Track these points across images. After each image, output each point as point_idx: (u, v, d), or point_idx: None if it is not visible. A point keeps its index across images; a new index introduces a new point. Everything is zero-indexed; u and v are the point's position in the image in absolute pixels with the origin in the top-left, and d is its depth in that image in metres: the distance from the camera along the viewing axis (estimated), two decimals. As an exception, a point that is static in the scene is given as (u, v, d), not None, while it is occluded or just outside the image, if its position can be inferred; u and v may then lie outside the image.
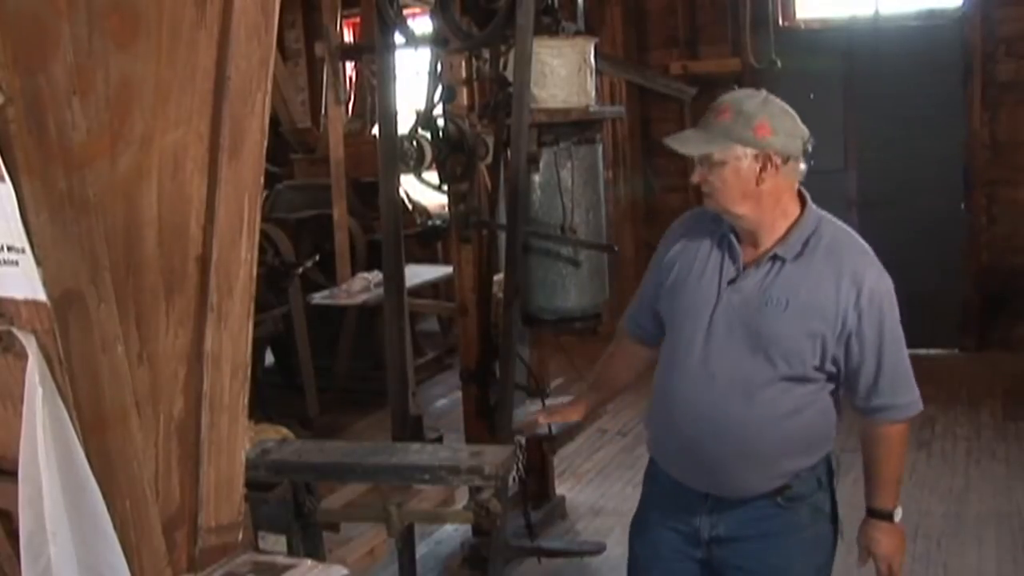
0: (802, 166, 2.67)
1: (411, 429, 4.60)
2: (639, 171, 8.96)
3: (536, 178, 4.34)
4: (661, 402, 2.81)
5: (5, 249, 1.73)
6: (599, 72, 4.91)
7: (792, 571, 2.79)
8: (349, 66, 9.45)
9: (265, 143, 2.17)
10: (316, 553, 2.58)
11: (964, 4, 7.84)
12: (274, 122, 8.78)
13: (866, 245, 2.70)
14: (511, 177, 4.19)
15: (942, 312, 8.09)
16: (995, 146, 7.93)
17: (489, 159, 4.50)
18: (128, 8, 1.83)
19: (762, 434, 2.63)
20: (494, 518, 2.50)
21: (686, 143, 2.63)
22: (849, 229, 2.74)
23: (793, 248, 2.62)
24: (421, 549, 4.87)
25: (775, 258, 2.63)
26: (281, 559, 2.39)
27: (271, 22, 2.11)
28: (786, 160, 2.60)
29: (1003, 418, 6.65)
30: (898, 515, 2.79)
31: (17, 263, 1.73)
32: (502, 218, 4.48)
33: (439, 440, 5.20)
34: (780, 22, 8.39)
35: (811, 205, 2.71)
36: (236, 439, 2.26)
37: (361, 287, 7.04)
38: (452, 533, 5.19)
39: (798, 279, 2.60)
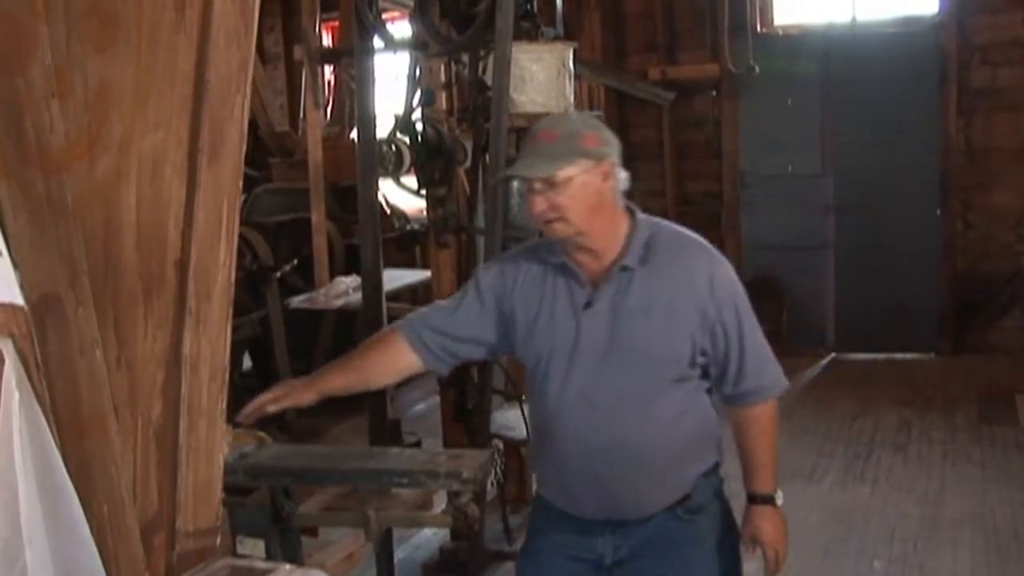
0: (622, 174, 2.66)
1: (389, 433, 4.60)
2: (617, 176, 8.97)
3: (514, 183, 4.33)
4: (546, 446, 2.74)
5: (-18, 252, 1.72)
6: (578, 77, 4.92)
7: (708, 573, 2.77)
8: (328, 70, 9.43)
9: (244, 147, 2.17)
10: (294, 557, 2.57)
11: (940, 11, 7.90)
12: (252, 126, 8.74)
13: (703, 240, 2.72)
14: (489, 181, 4.19)
15: (918, 317, 8.15)
16: (970, 152, 7.99)
17: (468, 163, 4.50)
18: (107, 11, 1.82)
19: (657, 445, 2.62)
20: (472, 522, 2.50)
21: (532, 168, 2.56)
22: (682, 228, 2.75)
23: (636, 254, 2.61)
24: (399, 553, 4.86)
25: (623, 269, 2.61)
26: (259, 563, 2.38)
27: (250, 26, 2.10)
28: (615, 167, 2.62)
29: (978, 421, 6.69)
30: (779, 498, 2.77)
31: (-6, 266, 1.72)
32: (480, 222, 4.48)
33: (417, 444, 5.18)
34: (758, 28, 8.43)
35: (638, 211, 2.71)
36: (214, 443, 2.26)
37: (339, 291, 7.01)
38: (430, 537, 5.17)
39: (650, 283, 2.59)
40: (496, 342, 2.82)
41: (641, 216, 2.69)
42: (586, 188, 2.54)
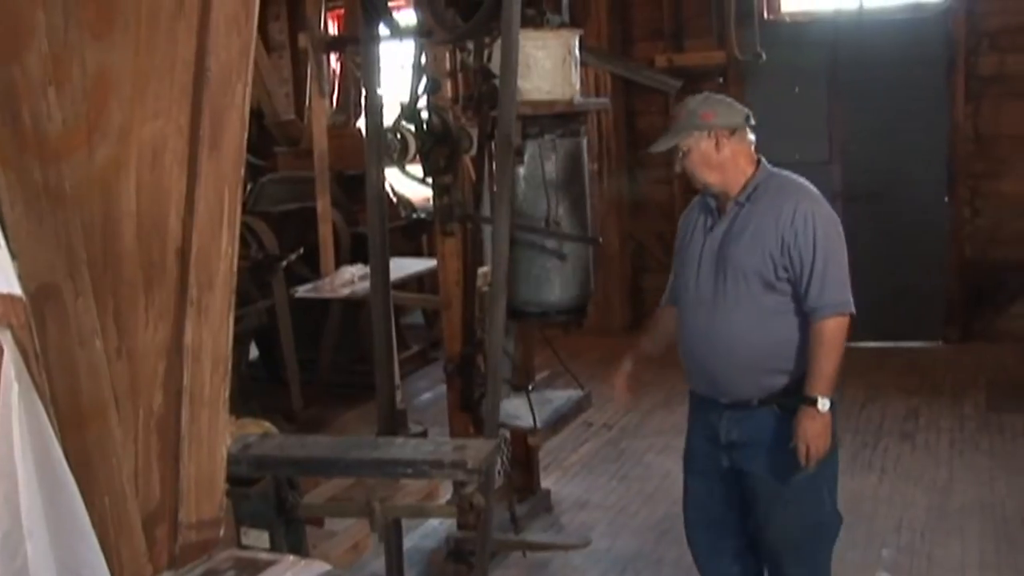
0: (751, 136, 3.50)
1: (395, 423, 4.58)
2: (624, 164, 8.94)
3: (520, 171, 4.31)
4: (679, 334, 3.60)
5: (-21, 242, 1.70)
6: (583, 64, 4.88)
7: (794, 475, 3.37)
8: (333, 58, 9.40)
9: (245, 135, 2.15)
10: (299, 548, 2.56)
11: (948, -3, 7.85)
12: (258, 115, 8.74)
13: (813, 189, 3.49)
14: (496, 169, 4.16)
15: (926, 304, 8.11)
16: (978, 139, 7.94)
17: (473, 151, 4.48)
18: (105, -2, 1.80)
19: (742, 338, 3.38)
20: (478, 512, 2.48)
21: (659, 145, 3.51)
22: (802, 180, 3.51)
23: (747, 193, 3.45)
24: (406, 543, 4.83)
25: (737, 203, 3.46)
26: (263, 555, 2.37)
27: (251, 12, 2.08)
28: (732, 132, 3.44)
29: (986, 409, 6.65)
30: (823, 404, 3.32)
31: (-8, 256, 1.70)
32: (486, 210, 4.46)
33: (423, 434, 5.17)
34: (765, 15, 8.37)
35: (764, 164, 3.52)
36: (217, 434, 2.25)
37: (345, 280, 7.00)
38: (437, 527, 5.16)
39: (751, 214, 3.43)
40: None
41: (764, 167, 3.50)
42: (702, 154, 3.43)
